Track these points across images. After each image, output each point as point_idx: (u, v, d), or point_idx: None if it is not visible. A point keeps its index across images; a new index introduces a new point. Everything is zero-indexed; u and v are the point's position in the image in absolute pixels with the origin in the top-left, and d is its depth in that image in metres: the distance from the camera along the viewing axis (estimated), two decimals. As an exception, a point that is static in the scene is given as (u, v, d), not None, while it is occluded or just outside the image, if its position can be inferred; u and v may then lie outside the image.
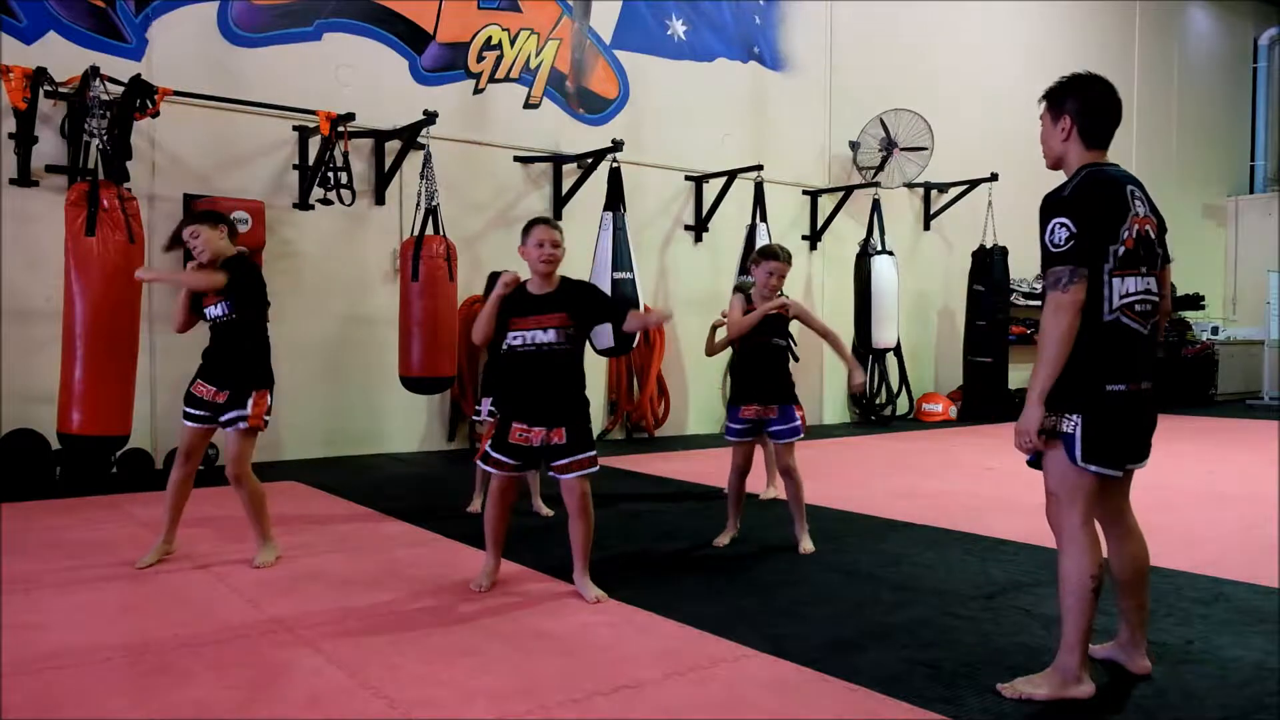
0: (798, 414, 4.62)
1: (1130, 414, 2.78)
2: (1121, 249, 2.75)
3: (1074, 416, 2.74)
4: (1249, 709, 2.73)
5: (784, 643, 3.21)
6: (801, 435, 4.61)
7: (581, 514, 3.75)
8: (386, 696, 2.75)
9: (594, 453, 3.74)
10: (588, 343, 3.84)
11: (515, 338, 3.69)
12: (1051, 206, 2.79)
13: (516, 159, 8.36)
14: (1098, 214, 2.74)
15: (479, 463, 3.84)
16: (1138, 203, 2.82)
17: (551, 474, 3.78)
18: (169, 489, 4.20)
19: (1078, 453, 2.74)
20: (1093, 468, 2.75)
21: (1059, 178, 2.92)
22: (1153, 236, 2.85)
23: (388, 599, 3.70)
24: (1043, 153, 2.98)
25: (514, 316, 3.70)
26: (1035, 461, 2.90)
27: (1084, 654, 2.79)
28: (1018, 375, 11.82)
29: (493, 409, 4.64)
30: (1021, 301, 11.96)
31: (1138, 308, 2.78)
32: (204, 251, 4.07)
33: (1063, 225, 2.72)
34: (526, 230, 3.79)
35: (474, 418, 6.22)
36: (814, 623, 3.48)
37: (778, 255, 4.56)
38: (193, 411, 4.14)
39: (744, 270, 8.91)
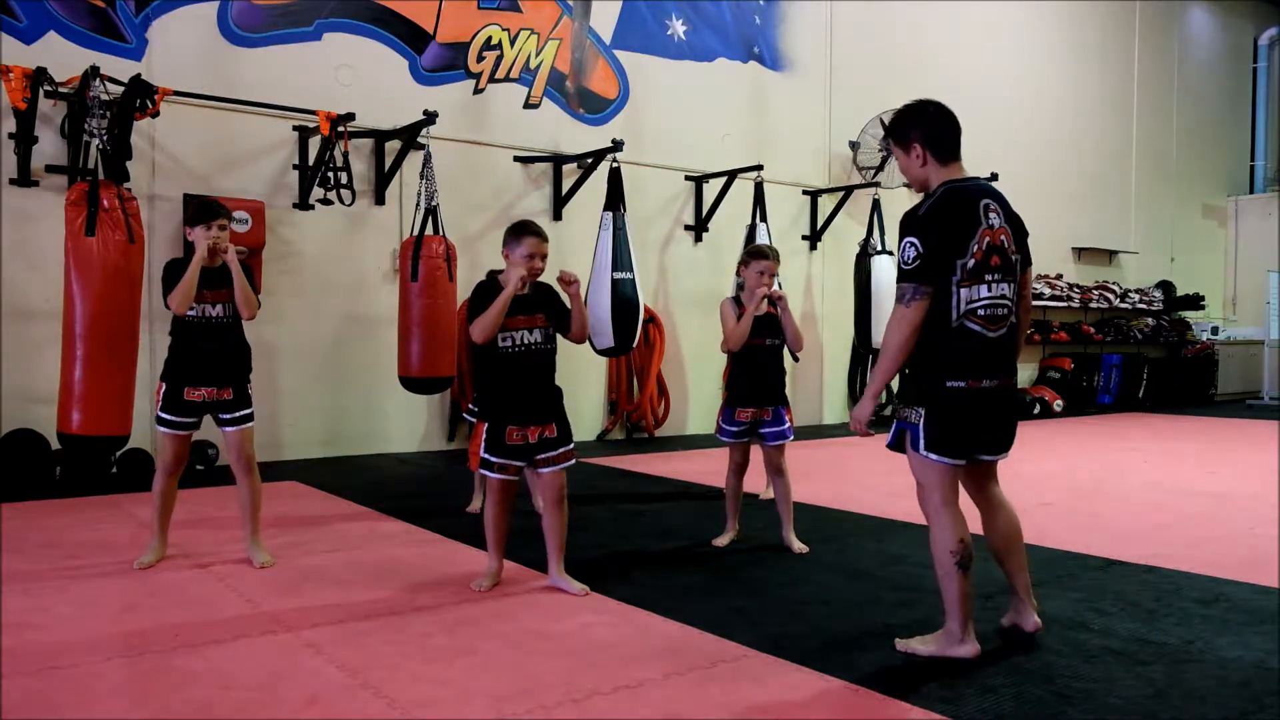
0: (787, 416, 4.63)
1: (970, 409, 3.01)
2: (971, 261, 2.97)
3: (918, 410, 3.02)
4: (1249, 709, 2.73)
5: (784, 643, 3.22)
6: (791, 437, 4.63)
7: (561, 505, 3.84)
8: (386, 696, 2.75)
9: (574, 445, 3.88)
10: (588, 343, 3.87)
11: (504, 339, 3.72)
12: (905, 226, 3.02)
13: (516, 159, 8.36)
14: (946, 232, 2.96)
15: (481, 471, 3.81)
16: (991, 215, 3.03)
17: (538, 468, 3.81)
18: (160, 498, 4.17)
19: (921, 443, 3.02)
20: (933, 456, 3.02)
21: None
22: (1007, 245, 3.06)
23: (388, 599, 3.70)
24: (909, 181, 3.21)
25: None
26: (894, 444, 3.17)
27: (965, 618, 3.06)
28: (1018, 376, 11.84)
29: (474, 409, 4.58)
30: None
31: (982, 313, 3.00)
32: (227, 249, 4.07)
33: (912, 245, 2.96)
34: (517, 236, 3.78)
35: (467, 416, 6.22)
36: (814, 623, 3.48)
37: (767, 254, 4.57)
38: (183, 420, 4.11)
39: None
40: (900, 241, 3.00)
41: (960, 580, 3.05)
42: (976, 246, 2.98)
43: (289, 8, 7.29)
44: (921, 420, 3.00)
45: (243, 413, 4.15)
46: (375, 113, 7.42)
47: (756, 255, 4.58)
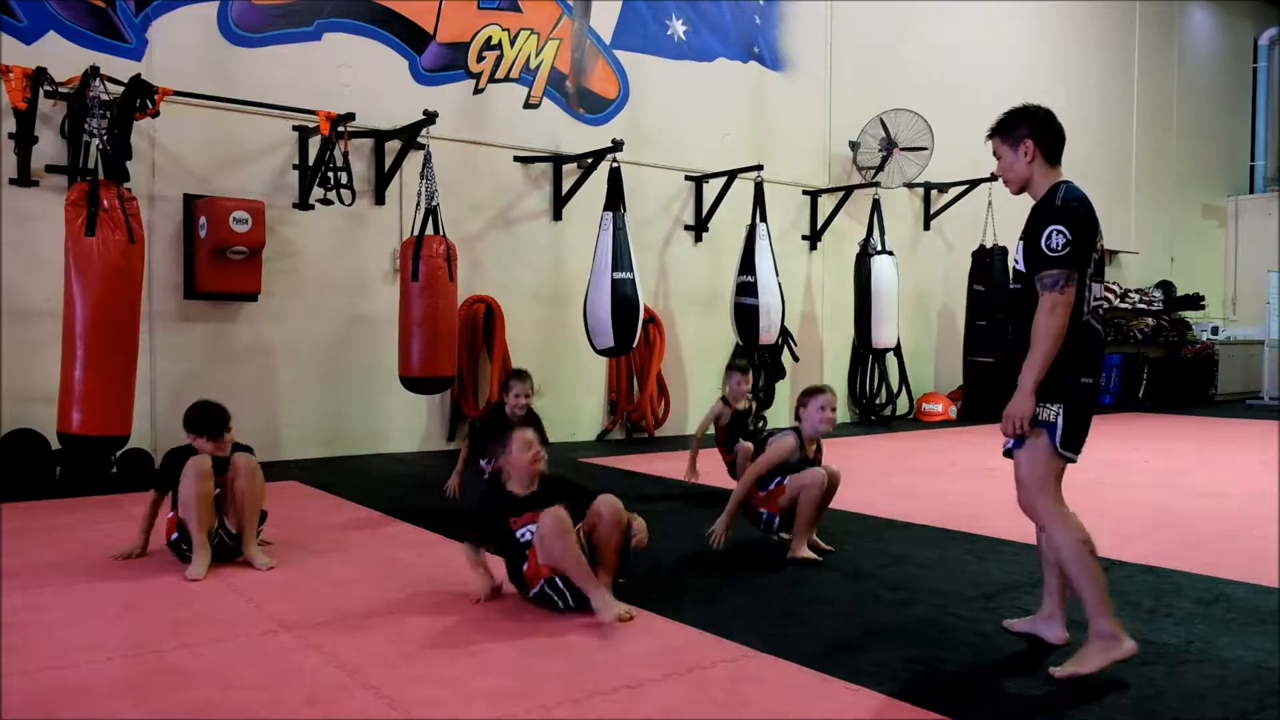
0: None
1: (1093, 405, 3.07)
2: (1096, 256, 3.04)
3: (1055, 406, 2.97)
4: (1249, 709, 2.73)
5: (784, 643, 3.21)
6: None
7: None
8: (386, 696, 2.75)
9: None
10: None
11: (522, 535, 3.62)
12: (1047, 214, 3.00)
13: (516, 159, 8.37)
14: (1084, 224, 2.98)
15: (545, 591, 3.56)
16: (1096, 221, 3.09)
17: None
18: (204, 505, 4.02)
19: (1058, 440, 2.98)
20: (1071, 454, 3.00)
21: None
22: (1103, 251, 3.14)
23: (388, 599, 3.70)
24: (1006, 180, 3.21)
25: (511, 516, 3.65)
26: (1010, 451, 3.11)
27: (1112, 613, 2.96)
28: (1018, 375, 11.85)
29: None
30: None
31: (1100, 310, 3.10)
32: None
33: (1060, 232, 2.94)
34: (505, 439, 3.71)
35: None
36: (814, 623, 3.48)
37: (825, 390, 4.55)
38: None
39: (745, 270, 8.89)
40: (1044, 229, 2.95)
41: (1099, 570, 2.98)
42: (1099, 243, 3.07)
43: (289, 8, 7.29)
44: (1060, 418, 2.96)
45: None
46: (375, 113, 7.42)
47: (818, 391, 4.54)
